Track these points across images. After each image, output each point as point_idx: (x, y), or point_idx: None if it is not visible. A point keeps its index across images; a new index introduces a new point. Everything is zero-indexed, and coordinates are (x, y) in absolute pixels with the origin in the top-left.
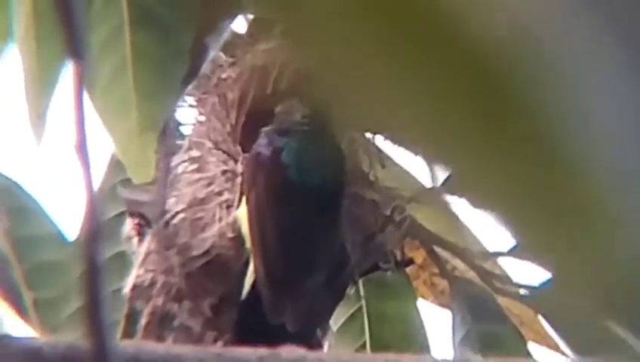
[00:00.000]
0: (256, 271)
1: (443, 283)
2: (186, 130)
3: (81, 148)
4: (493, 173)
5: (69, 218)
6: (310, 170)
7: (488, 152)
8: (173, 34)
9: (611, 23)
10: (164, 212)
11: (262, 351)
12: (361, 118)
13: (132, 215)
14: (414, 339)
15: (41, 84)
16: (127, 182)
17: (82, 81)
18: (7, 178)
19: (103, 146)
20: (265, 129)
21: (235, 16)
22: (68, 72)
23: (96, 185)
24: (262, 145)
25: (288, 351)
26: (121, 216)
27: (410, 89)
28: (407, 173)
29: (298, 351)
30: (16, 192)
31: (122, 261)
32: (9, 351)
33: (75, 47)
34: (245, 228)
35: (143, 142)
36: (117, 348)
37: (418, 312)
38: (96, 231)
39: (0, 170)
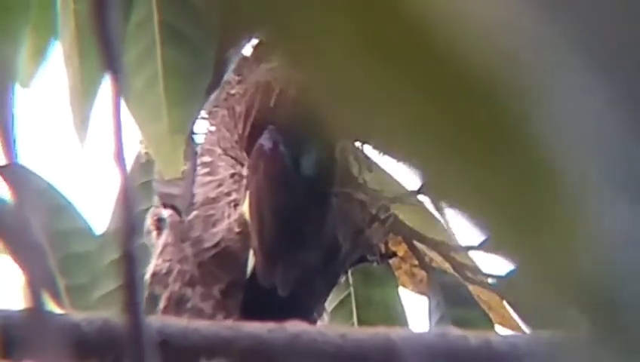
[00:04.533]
0: (253, 246)
1: (421, 274)
2: (199, 138)
3: (119, 153)
4: (470, 178)
5: (99, 213)
6: (304, 158)
7: (466, 158)
8: (199, 50)
9: (584, 36)
10: (192, 204)
11: (270, 324)
12: (354, 127)
13: (165, 206)
14: (396, 322)
15: (83, 94)
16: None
17: (119, 92)
18: (44, 180)
19: (130, 150)
20: (269, 127)
21: (251, 34)
22: (107, 84)
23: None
24: (264, 138)
25: (293, 324)
26: (142, 213)
27: (398, 101)
28: (390, 177)
29: (302, 324)
30: (52, 193)
31: (143, 252)
32: (52, 325)
33: (111, 62)
34: (248, 215)
35: (173, 142)
36: (148, 323)
37: (399, 298)
38: (132, 222)
39: (39, 174)
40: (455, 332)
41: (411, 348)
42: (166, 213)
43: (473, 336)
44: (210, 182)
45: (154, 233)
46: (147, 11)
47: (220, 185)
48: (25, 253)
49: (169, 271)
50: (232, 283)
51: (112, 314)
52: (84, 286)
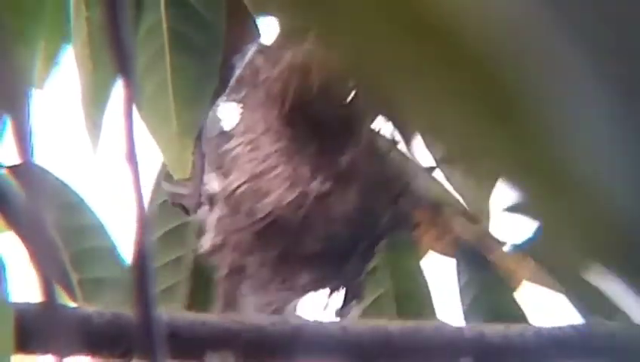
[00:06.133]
0: None
1: (447, 239)
2: (229, 124)
3: (130, 155)
4: (493, 147)
5: (111, 211)
6: None
7: (489, 130)
8: (205, 56)
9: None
10: (199, 203)
11: (273, 317)
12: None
13: (174, 205)
14: (423, 288)
15: (96, 98)
16: (169, 177)
17: (130, 96)
18: (57, 178)
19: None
20: None
21: (255, 40)
22: (119, 88)
23: (144, 183)
24: None
25: (294, 317)
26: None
27: (421, 82)
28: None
29: (302, 318)
30: (65, 190)
31: (182, 233)
32: (64, 318)
33: (123, 67)
34: None
35: (182, 144)
36: (160, 317)
37: (420, 266)
38: (145, 219)
39: (52, 172)
40: (450, 325)
41: (409, 340)
42: (217, 187)
43: (467, 328)
44: (255, 157)
45: (206, 208)
46: (156, 19)
47: (265, 160)
48: (38, 248)
49: (225, 242)
50: (286, 250)
51: (122, 308)
52: (96, 279)
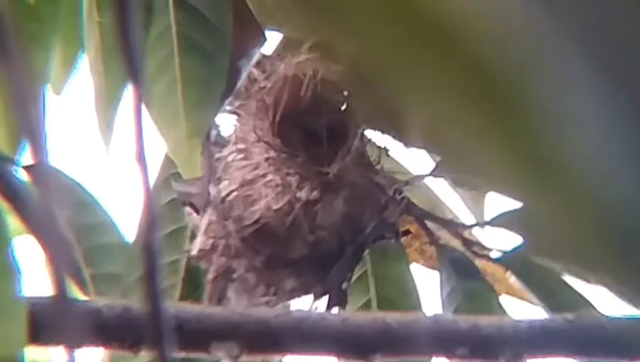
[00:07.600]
0: None
1: (431, 250)
2: (226, 132)
3: (140, 155)
4: (485, 152)
5: (122, 209)
6: None
7: (481, 134)
8: (213, 59)
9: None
10: (208, 201)
11: (277, 310)
12: (379, 114)
13: (184, 204)
14: (409, 295)
15: (108, 100)
16: (178, 176)
17: (140, 98)
18: (70, 178)
19: (157, 148)
20: None
21: (261, 44)
22: (130, 90)
23: (152, 182)
24: None
25: (298, 310)
26: (173, 201)
27: (424, 88)
28: (399, 164)
29: (304, 310)
30: (78, 189)
31: (177, 237)
32: (75, 311)
33: (133, 71)
34: None
35: (190, 145)
36: (167, 310)
37: (411, 273)
38: (153, 218)
39: (65, 172)
40: (446, 316)
41: (406, 331)
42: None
43: (463, 320)
44: (246, 165)
45: (194, 215)
46: (166, 24)
47: (255, 168)
48: (52, 245)
49: (214, 247)
50: (273, 255)
51: (131, 301)
52: (107, 275)
